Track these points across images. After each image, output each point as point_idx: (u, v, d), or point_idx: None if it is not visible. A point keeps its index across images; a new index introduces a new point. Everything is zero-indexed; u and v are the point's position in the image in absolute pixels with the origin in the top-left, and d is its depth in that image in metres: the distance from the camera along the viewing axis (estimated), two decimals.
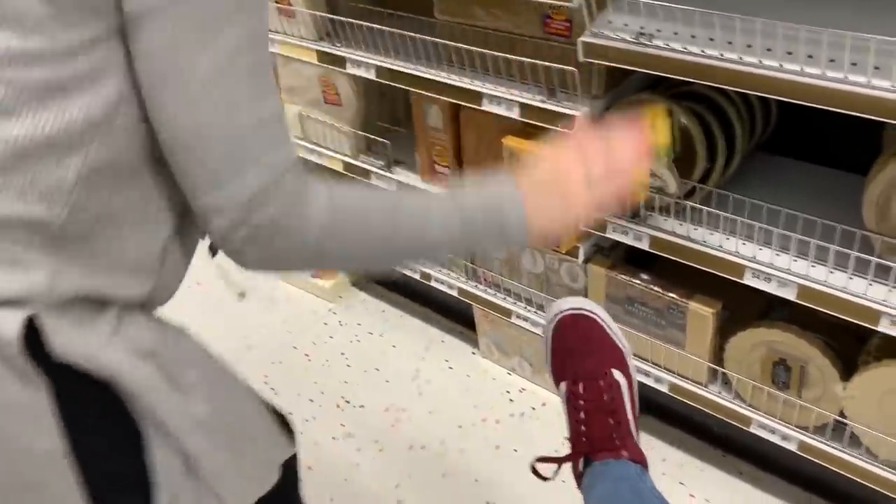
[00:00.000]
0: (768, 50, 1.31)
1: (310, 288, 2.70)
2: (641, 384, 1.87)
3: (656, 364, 1.85)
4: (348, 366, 2.40)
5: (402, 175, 2.13)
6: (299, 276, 2.71)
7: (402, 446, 2.12)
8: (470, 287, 2.19)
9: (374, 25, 1.88)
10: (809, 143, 1.76)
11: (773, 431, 1.70)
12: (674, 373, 1.83)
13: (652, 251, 1.65)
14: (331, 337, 2.52)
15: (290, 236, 0.82)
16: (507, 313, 2.12)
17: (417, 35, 1.79)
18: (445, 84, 1.78)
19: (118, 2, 0.74)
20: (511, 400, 2.22)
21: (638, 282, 1.76)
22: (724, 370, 1.73)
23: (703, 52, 1.35)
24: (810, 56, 1.27)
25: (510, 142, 1.74)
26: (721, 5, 1.35)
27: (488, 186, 0.93)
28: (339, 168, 2.27)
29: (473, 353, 2.39)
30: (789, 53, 1.28)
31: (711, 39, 1.36)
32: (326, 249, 0.84)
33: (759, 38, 1.29)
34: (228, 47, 0.76)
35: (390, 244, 0.89)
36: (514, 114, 1.68)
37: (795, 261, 1.49)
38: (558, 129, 1.61)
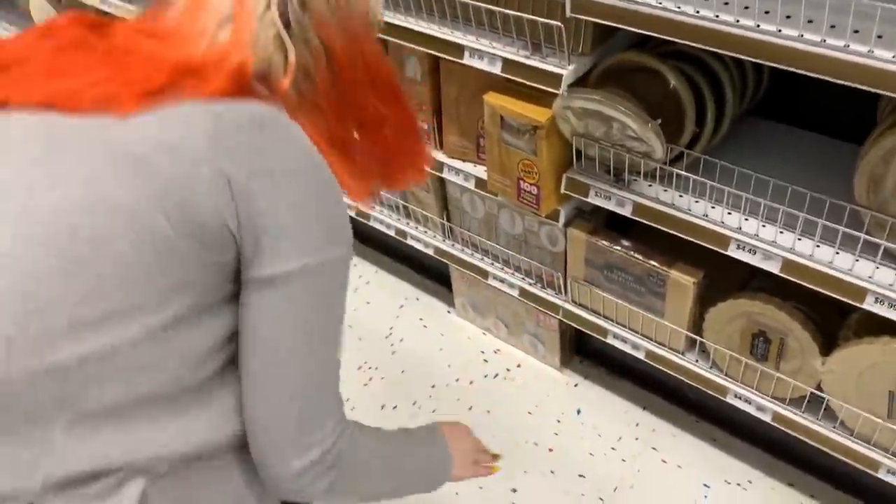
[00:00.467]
0: (766, 12, 1.23)
1: None
2: (620, 360, 1.86)
3: (633, 330, 1.82)
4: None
5: None
6: None
7: (374, 406, 2.08)
8: (446, 246, 2.13)
9: None
10: (803, 108, 1.70)
11: (748, 402, 1.69)
12: (651, 339, 1.80)
13: (634, 217, 1.60)
14: None
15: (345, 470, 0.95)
16: (484, 274, 2.07)
17: None
18: (424, 34, 1.69)
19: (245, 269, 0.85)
20: (486, 360, 2.19)
21: (618, 248, 1.71)
22: (702, 339, 1.70)
23: (697, 12, 1.27)
24: (810, 21, 1.20)
25: (492, 98, 1.66)
26: None
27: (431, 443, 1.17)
28: None
29: (449, 312, 2.35)
30: (788, 17, 1.21)
31: (726, 3, 1.28)
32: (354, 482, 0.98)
33: (779, 4, 1.22)
34: (331, 319, 0.91)
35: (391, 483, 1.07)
36: (497, 69, 1.60)
37: (781, 233, 1.44)
38: (542, 87, 1.54)
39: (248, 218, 0.83)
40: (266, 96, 0.89)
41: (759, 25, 1.22)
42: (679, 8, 1.29)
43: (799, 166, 1.59)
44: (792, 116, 1.72)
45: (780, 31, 1.20)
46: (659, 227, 1.57)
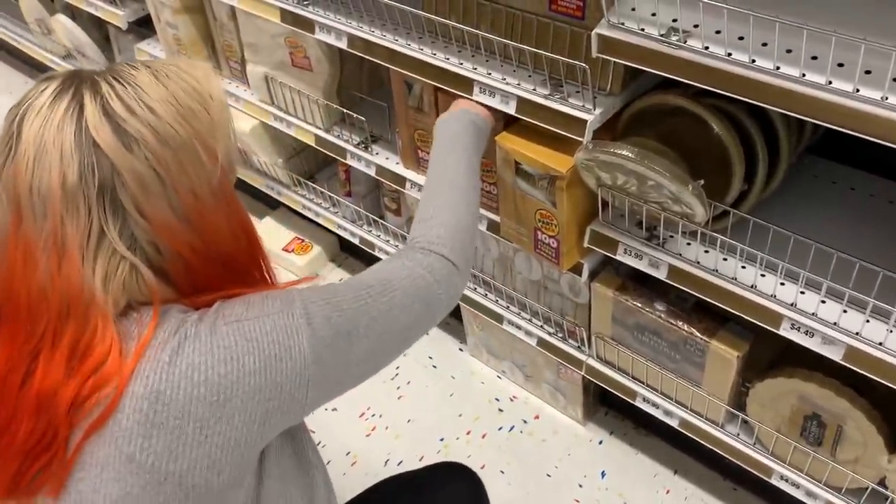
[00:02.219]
0: (840, 65, 1.00)
1: (283, 263, 2.44)
2: (649, 414, 1.65)
3: (666, 395, 1.61)
4: None
5: (381, 156, 1.83)
6: (272, 250, 2.45)
7: (377, 460, 1.90)
8: None
9: None
10: (868, 147, 1.45)
11: (797, 486, 1.47)
12: (686, 408, 1.59)
13: (669, 282, 1.38)
14: None
15: None
16: (499, 318, 1.86)
17: (397, 4, 1.47)
18: (429, 64, 1.47)
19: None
20: (500, 410, 1.99)
21: (650, 311, 1.49)
22: (745, 416, 1.48)
23: (752, 62, 1.04)
24: (868, 71, 0.96)
25: (506, 140, 1.43)
26: (788, 5, 1.03)
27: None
28: (311, 142, 1.97)
29: (461, 350, 2.15)
30: (868, 73, 0.98)
31: (765, 45, 1.04)
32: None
33: (831, 49, 0.98)
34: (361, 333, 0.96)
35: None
36: (511, 109, 1.38)
37: (846, 312, 1.22)
38: (563, 132, 1.31)
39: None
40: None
41: (830, 83, 0.98)
42: (731, 55, 1.06)
43: (868, 224, 1.36)
44: (856, 157, 1.48)
45: (857, 90, 0.97)
46: (698, 295, 1.35)
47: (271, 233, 2.49)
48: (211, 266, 0.92)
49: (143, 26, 2.34)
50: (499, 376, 2.07)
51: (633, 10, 1.15)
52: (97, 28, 2.64)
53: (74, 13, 2.61)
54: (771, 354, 1.48)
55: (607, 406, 1.96)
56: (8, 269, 0.84)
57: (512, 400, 2.01)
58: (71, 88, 0.85)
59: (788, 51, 1.03)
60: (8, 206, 0.84)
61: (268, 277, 1.02)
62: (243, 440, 0.86)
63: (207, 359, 0.84)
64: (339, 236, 2.41)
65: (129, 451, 0.81)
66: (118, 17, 2.29)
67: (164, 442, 0.82)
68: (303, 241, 2.45)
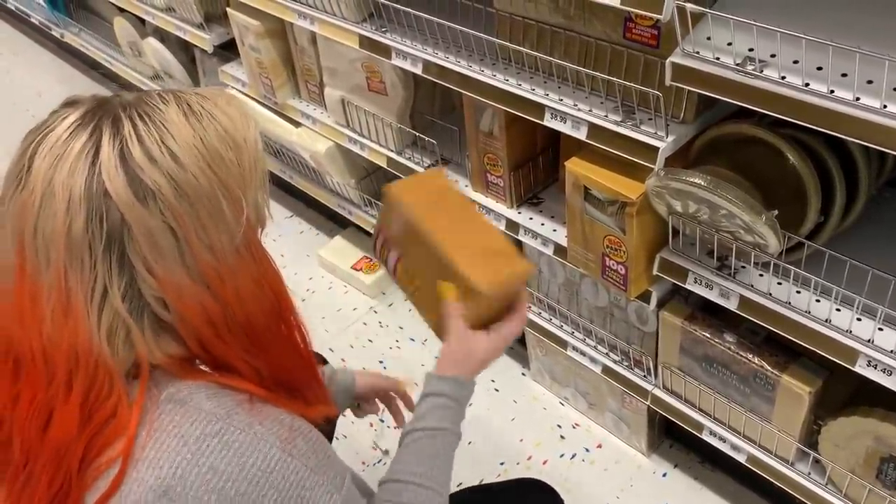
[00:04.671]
0: None
1: (352, 281, 2.49)
2: (715, 449, 1.62)
3: (734, 430, 1.57)
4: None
5: (450, 179, 1.86)
6: (341, 267, 2.50)
7: None
8: None
9: (422, 14, 1.58)
10: None
11: None
12: (755, 443, 1.55)
13: (740, 313, 1.36)
14: (370, 340, 2.31)
15: None
16: (563, 344, 1.86)
17: (472, 31, 1.50)
18: (501, 90, 1.49)
19: None
20: (562, 437, 1.98)
21: (720, 342, 1.46)
22: (817, 455, 1.44)
23: (831, 92, 1.02)
24: None
25: (575, 166, 1.44)
26: (867, 36, 1.02)
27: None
28: (383, 163, 2.02)
29: (523, 375, 2.14)
30: None
31: (844, 76, 1.03)
32: None
33: None
34: None
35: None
36: (582, 134, 1.39)
37: None
38: (634, 159, 1.31)
39: None
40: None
41: None
42: (808, 86, 1.04)
43: None
44: None
45: None
46: (770, 328, 1.32)
47: (341, 251, 2.55)
48: (231, 336, 0.85)
49: (228, 49, 2.44)
50: (561, 403, 2.06)
51: (709, 38, 1.15)
52: (184, 51, 2.77)
53: (164, 37, 2.74)
54: (847, 393, 1.43)
55: (672, 438, 1.93)
56: (17, 308, 0.79)
57: (574, 427, 2.00)
58: (91, 123, 0.78)
59: (869, 81, 1.01)
60: (12, 238, 0.79)
61: (298, 341, 0.94)
62: None
63: (234, 470, 0.78)
64: None
65: None
66: (204, 41, 2.39)
67: None
68: (371, 260, 2.49)
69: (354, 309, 2.43)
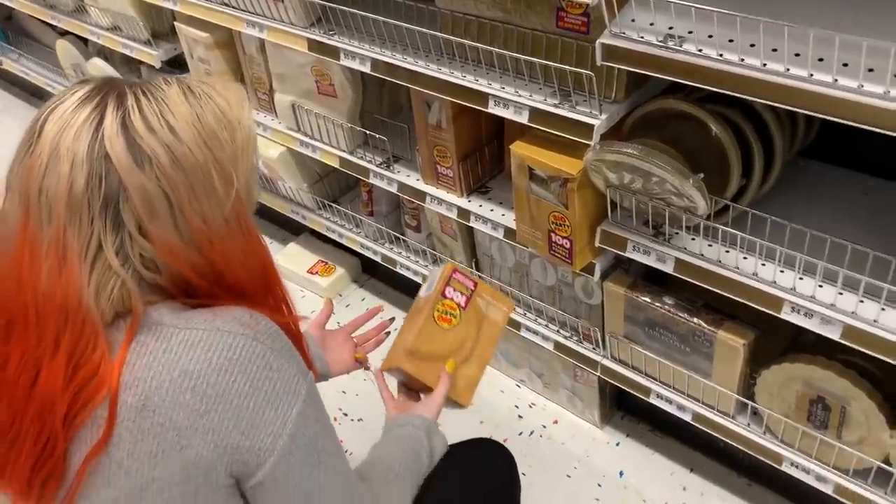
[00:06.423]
0: (820, 60, 1.11)
1: (308, 285, 2.55)
2: (664, 416, 1.73)
3: (679, 390, 1.69)
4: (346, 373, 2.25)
5: (402, 174, 1.95)
6: (297, 272, 2.56)
7: None
8: None
9: (368, 15, 1.68)
10: (860, 149, 1.56)
11: (807, 471, 1.54)
12: (698, 401, 1.66)
13: (676, 275, 1.47)
14: None
15: None
16: (516, 326, 1.96)
17: (416, 28, 1.60)
18: (447, 82, 1.59)
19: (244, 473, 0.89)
20: (520, 416, 2.07)
21: (660, 305, 1.58)
22: (754, 404, 1.56)
23: (742, 60, 1.15)
24: (871, 70, 1.07)
25: (519, 148, 1.55)
26: (768, 7, 1.15)
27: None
28: (336, 164, 2.10)
29: None
30: (845, 65, 1.09)
31: (752, 45, 1.16)
32: None
33: (810, 46, 1.09)
34: (327, 445, 0.96)
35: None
36: (524, 118, 1.50)
37: (841, 294, 1.31)
38: (573, 138, 1.43)
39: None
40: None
41: (811, 75, 1.09)
42: (721, 56, 1.17)
43: (859, 217, 1.45)
44: (848, 158, 1.59)
45: (836, 80, 1.08)
46: (704, 285, 1.44)
47: (296, 257, 2.61)
48: (217, 289, 0.92)
49: (174, 65, 2.50)
50: (518, 385, 2.15)
51: (633, 21, 1.27)
52: (128, 67, 2.81)
53: (107, 55, 2.78)
54: (778, 351, 1.56)
55: (623, 410, 2.04)
56: (16, 265, 0.85)
57: (531, 406, 2.09)
58: (98, 97, 0.86)
59: (774, 49, 1.14)
60: (18, 200, 0.86)
61: (283, 309, 1.00)
62: (212, 469, 0.85)
63: (202, 367, 0.84)
64: (361, 258, 2.52)
65: (118, 458, 0.84)
66: (152, 57, 2.44)
67: (148, 447, 0.83)
68: (326, 263, 2.56)
69: (312, 311, 2.48)
